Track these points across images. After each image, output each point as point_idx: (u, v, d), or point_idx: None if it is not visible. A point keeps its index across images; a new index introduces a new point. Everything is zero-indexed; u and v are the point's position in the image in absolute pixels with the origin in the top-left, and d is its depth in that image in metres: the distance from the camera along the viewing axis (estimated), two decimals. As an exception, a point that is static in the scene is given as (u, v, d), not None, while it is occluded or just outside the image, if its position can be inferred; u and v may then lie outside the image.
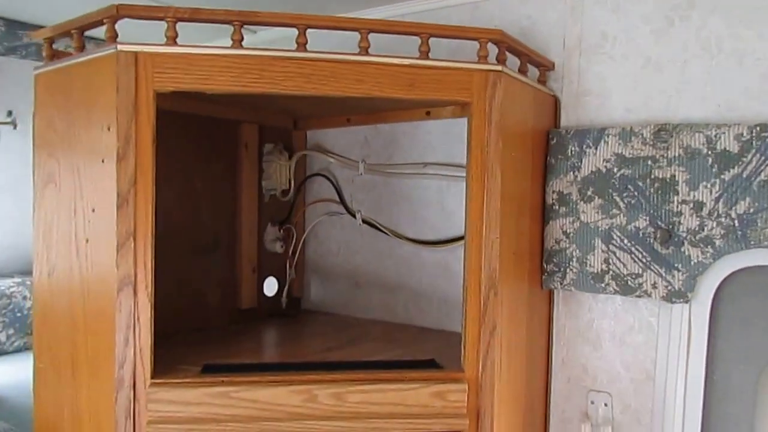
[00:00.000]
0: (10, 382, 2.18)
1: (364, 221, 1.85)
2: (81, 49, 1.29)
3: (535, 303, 1.50)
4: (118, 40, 1.19)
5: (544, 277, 1.51)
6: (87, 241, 1.23)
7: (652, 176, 1.37)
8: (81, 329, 1.26)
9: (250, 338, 1.60)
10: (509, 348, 1.34)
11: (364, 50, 1.22)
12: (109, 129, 1.17)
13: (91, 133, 1.22)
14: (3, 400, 2.03)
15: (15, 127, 2.78)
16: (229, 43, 1.19)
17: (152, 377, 1.19)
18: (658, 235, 1.36)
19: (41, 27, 1.47)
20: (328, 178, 1.92)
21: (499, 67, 1.26)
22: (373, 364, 1.33)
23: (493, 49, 1.29)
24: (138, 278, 1.17)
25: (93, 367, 1.23)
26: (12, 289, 2.59)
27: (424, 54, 1.24)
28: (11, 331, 2.54)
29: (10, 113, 2.77)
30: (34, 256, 1.38)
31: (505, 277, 1.31)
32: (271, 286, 1.90)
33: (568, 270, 1.47)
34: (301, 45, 1.21)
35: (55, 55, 1.38)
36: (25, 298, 2.62)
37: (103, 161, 1.19)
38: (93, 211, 1.22)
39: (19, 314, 2.57)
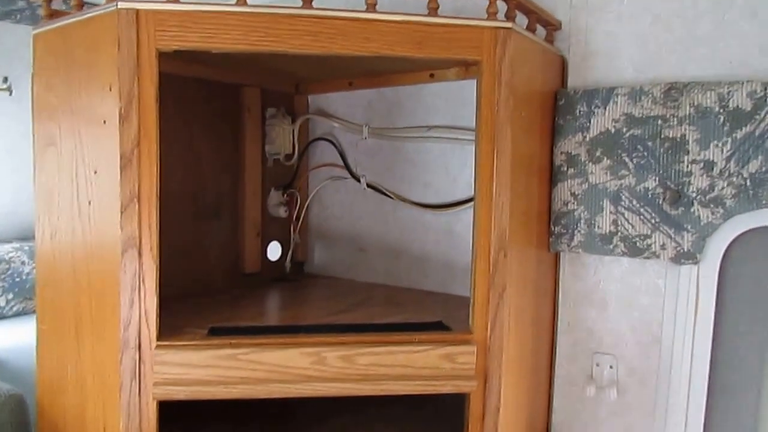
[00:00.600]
0: (11, 345, 2.15)
1: (368, 185, 1.81)
2: (80, 7, 1.24)
3: (543, 265, 1.47)
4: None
5: (551, 239, 1.48)
6: (90, 203, 1.19)
7: (662, 136, 1.33)
8: (85, 291, 1.23)
9: (255, 302, 1.57)
10: (517, 310, 1.32)
11: (372, 7, 1.18)
12: (110, 89, 1.12)
13: (92, 93, 1.17)
14: (3, 363, 2.01)
15: (11, 93, 2.72)
16: (234, 0, 1.14)
17: (158, 339, 1.16)
18: (668, 196, 1.33)
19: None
20: (331, 143, 1.88)
21: (509, 25, 1.21)
22: (382, 327, 1.31)
23: (502, 7, 1.25)
24: (143, 240, 1.14)
25: (97, 328, 1.20)
26: (11, 255, 2.55)
27: (433, 11, 1.19)
28: (10, 296, 2.51)
29: (5, 79, 2.70)
30: (35, 218, 1.35)
31: (515, 239, 1.28)
32: (274, 251, 1.87)
33: (576, 232, 1.44)
34: (308, 2, 1.16)
35: (53, 15, 1.32)
36: (23, 263, 2.59)
37: (104, 122, 1.14)
38: (95, 173, 1.18)
39: (18, 279, 2.54)
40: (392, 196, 1.78)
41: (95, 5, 1.17)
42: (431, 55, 1.19)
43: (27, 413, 1.42)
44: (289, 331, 1.26)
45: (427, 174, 1.74)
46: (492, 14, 1.21)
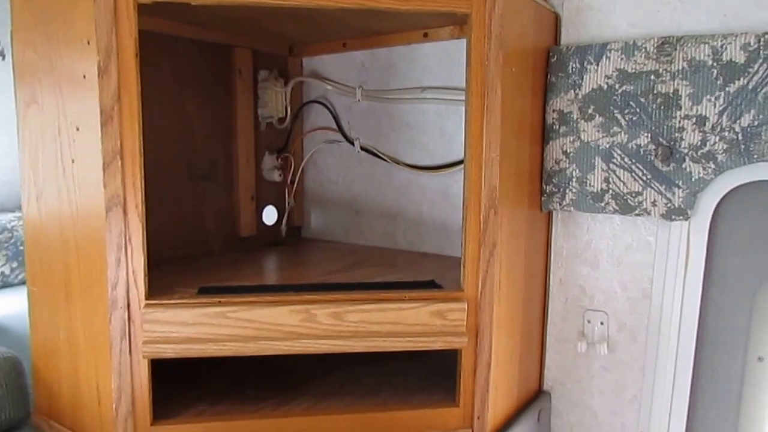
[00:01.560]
0: (15, 312, 2.11)
1: (362, 148, 1.74)
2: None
3: (534, 224, 1.41)
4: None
5: (543, 198, 1.41)
6: (73, 161, 1.13)
7: (655, 91, 1.26)
8: (72, 251, 1.17)
9: (249, 264, 1.52)
10: (508, 268, 1.26)
11: (358, -44, 1.10)
12: (89, 43, 1.05)
13: (71, 48, 1.10)
14: (9, 329, 1.97)
15: (3, 59, 2.60)
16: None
17: (147, 298, 1.10)
18: (659, 152, 1.26)
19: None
20: (325, 106, 1.81)
21: (499, -23, 1.13)
22: (373, 285, 1.25)
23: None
24: (127, 198, 1.07)
25: (86, 288, 1.15)
26: (13, 223, 2.49)
27: (421, -40, 1.11)
28: (15, 264, 2.45)
29: (-2, 46, 2.59)
30: (20, 179, 1.28)
31: (505, 197, 1.21)
32: (270, 215, 1.82)
33: (567, 190, 1.38)
34: (291, -49, 1.08)
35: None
36: (26, 231, 2.54)
37: (84, 77, 1.07)
38: (77, 129, 1.11)
39: (21, 247, 2.48)
40: (387, 158, 1.71)
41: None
42: (419, 7, 1.11)
43: (23, 375, 1.37)
44: (278, 290, 1.20)
45: (422, 135, 1.67)
46: (481, -35, 1.13)
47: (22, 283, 2.49)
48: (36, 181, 1.24)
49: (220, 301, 1.13)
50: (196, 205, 1.61)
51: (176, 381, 1.34)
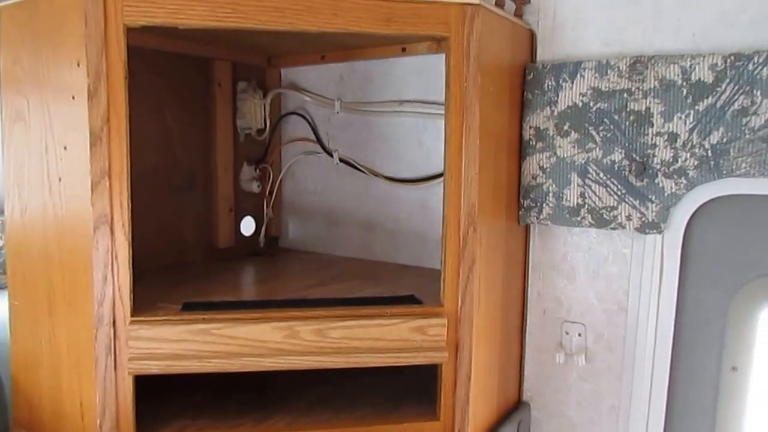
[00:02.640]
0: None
1: (341, 160, 1.83)
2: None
3: (512, 238, 1.51)
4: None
5: (520, 212, 1.52)
6: (60, 179, 1.20)
7: (628, 109, 1.37)
8: (57, 267, 1.25)
9: (229, 277, 1.60)
10: (487, 282, 1.36)
11: (340, -18, 1.19)
12: (78, 65, 1.13)
13: (61, 69, 1.18)
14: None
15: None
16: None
17: (132, 315, 1.18)
18: (633, 168, 1.37)
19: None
20: (303, 117, 1.90)
21: (477, 1, 1.23)
22: (354, 301, 1.34)
23: (470, -19, 1.27)
24: (114, 217, 1.15)
25: (71, 305, 1.22)
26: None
27: (401, -14, 1.21)
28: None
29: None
30: (4, 194, 1.35)
31: (484, 213, 1.32)
32: (248, 226, 1.90)
33: (544, 205, 1.48)
34: (275, -23, 1.17)
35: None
36: (-1, 237, 2.56)
37: (73, 98, 1.15)
38: (65, 149, 1.19)
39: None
40: (365, 170, 1.81)
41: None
42: (399, 32, 1.21)
43: (2, 388, 1.44)
44: (261, 305, 1.29)
45: (400, 148, 1.77)
46: (459, -10, 1.23)
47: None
48: (21, 196, 1.31)
49: (204, 318, 1.21)
50: (175, 216, 1.69)
51: (158, 395, 1.42)
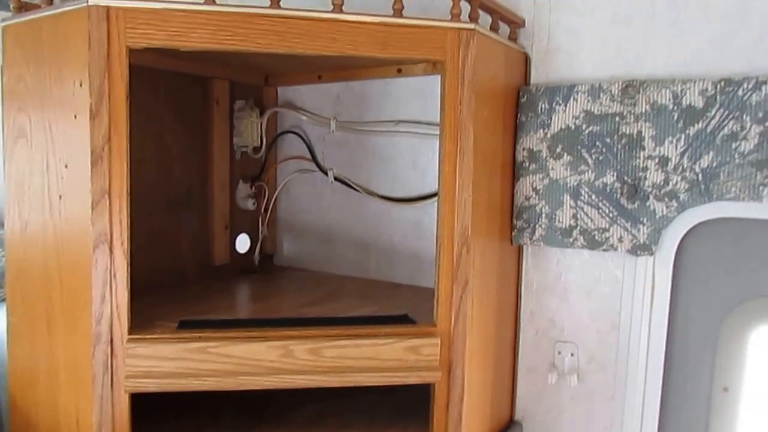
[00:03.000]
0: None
1: (336, 179, 1.87)
2: (50, 1, 1.27)
3: (505, 258, 1.54)
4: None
5: (514, 233, 1.55)
6: (60, 197, 1.23)
7: (620, 132, 1.41)
8: (56, 285, 1.27)
9: (224, 294, 1.62)
10: (480, 302, 1.39)
11: (338, 8, 1.23)
12: (81, 85, 1.16)
13: (63, 88, 1.21)
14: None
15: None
16: (202, -2, 1.19)
17: (129, 333, 1.21)
18: (625, 191, 1.41)
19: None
20: (299, 135, 1.93)
21: (472, 26, 1.27)
22: (349, 320, 1.37)
23: (465, 7, 1.31)
24: (114, 236, 1.18)
25: (69, 322, 1.25)
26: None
27: (398, 12, 1.25)
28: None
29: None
30: (4, 210, 1.38)
31: (477, 234, 1.35)
32: (243, 243, 1.92)
33: (537, 226, 1.52)
34: (275, 2, 1.21)
35: (23, 7, 1.35)
36: (-9, 250, 2.56)
37: (75, 117, 1.18)
38: (66, 167, 1.22)
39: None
40: (360, 189, 1.84)
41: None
42: (396, 55, 1.25)
43: (-3, 406, 1.46)
44: (257, 324, 1.31)
45: (395, 167, 1.81)
46: (455, 15, 1.27)
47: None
48: (21, 213, 1.34)
49: (200, 336, 1.24)
50: (171, 233, 1.72)
51: (154, 414, 1.44)
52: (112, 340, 1.20)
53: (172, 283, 1.69)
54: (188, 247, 1.77)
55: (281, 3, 1.21)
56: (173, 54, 1.57)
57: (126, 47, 1.16)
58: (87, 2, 1.15)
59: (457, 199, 1.28)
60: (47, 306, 1.30)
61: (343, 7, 1.23)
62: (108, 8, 1.15)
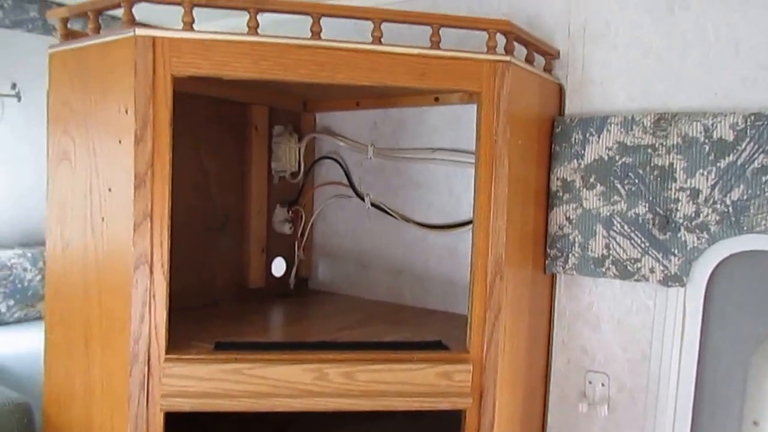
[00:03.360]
0: (12, 352, 2.18)
1: (372, 204, 1.86)
2: (97, 30, 1.30)
3: (538, 286, 1.52)
4: (135, 22, 1.20)
5: (547, 261, 1.53)
6: (103, 219, 1.25)
7: (652, 164, 1.39)
8: (95, 304, 1.28)
9: (259, 317, 1.62)
10: (512, 330, 1.36)
11: (377, 39, 1.23)
12: (126, 111, 1.18)
13: (108, 113, 1.23)
14: (6, 369, 2.05)
15: (19, 100, 2.75)
16: (241, 22, 1.20)
17: (167, 353, 1.21)
18: (657, 222, 1.38)
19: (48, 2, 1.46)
20: (337, 161, 1.93)
21: (507, 58, 1.26)
22: (383, 345, 1.36)
23: (501, 39, 1.30)
24: (154, 257, 1.19)
25: (107, 341, 1.25)
26: (13, 261, 2.58)
27: (435, 44, 1.25)
28: (11, 302, 2.53)
29: (14, 85, 2.74)
30: (46, 230, 1.39)
31: (511, 262, 1.33)
32: (279, 267, 1.92)
33: (570, 255, 1.49)
34: (316, 33, 1.22)
35: (69, 35, 1.38)
36: (25, 269, 2.60)
37: (120, 142, 1.20)
38: (109, 190, 1.23)
39: (19, 285, 2.56)
40: (396, 215, 1.83)
41: (111, 18, 1.22)
42: (433, 86, 1.25)
43: (33, 422, 1.47)
44: (292, 347, 1.31)
45: (431, 194, 1.80)
46: (491, 48, 1.27)
47: (19, 321, 2.57)
48: (63, 234, 1.35)
49: (236, 358, 1.23)
50: (208, 256, 1.73)
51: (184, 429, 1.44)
52: (149, 360, 1.20)
53: (208, 305, 1.70)
54: (224, 270, 1.78)
55: (322, 35, 1.22)
56: (214, 81, 1.59)
57: (171, 75, 1.17)
58: (134, 32, 1.17)
59: (491, 228, 1.26)
60: (85, 325, 1.30)
61: (382, 39, 1.24)
62: (154, 38, 1.17)
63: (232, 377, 1.22)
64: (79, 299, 1.33)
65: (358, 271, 1.95)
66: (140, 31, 1.17)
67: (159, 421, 1.22)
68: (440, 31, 1.26)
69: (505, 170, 1.27)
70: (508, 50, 1.31)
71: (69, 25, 1.40)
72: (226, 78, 1.20)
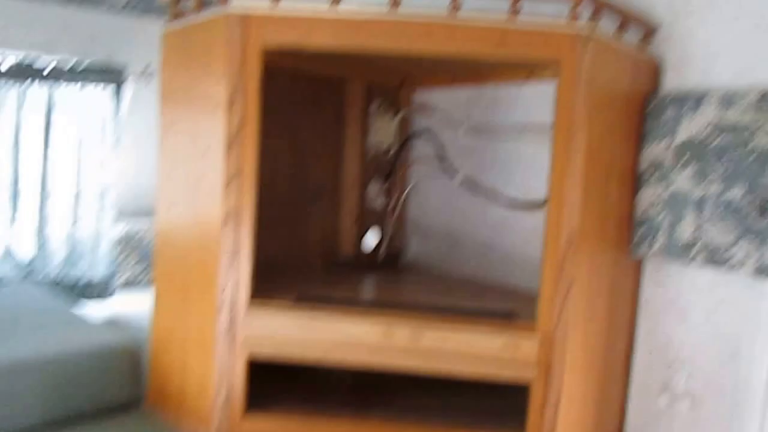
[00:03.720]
0: (138, 310, 2.37)
1: (463, 181, 1.86)
2: (199, 9, 1.41)
3: (622, 271, 1.47)
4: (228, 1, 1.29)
5: (632, 244, 1.47)
6: (199, 179, 1.35)
7: (751, 145, 1.30)
8: (191, 258, 1.39)
9: (345, 283, 1.68)
10: (587, 309, 1.33)
11: (454, 10, 1.24)
12: (220, 81, 1.28)
13: (207, 83, 1.34)
14: (131, 324, 2.22)
15: (150, 81, 2.94)
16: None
17: (250, 302, 1.30)
18: (754, 206, 1.29)
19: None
20: (431, 138, 1.95)
21: (589, 29, 1.23)
22: (450, 309, 1.37)
23: (588, 7, 1.26)
24: (241, 212, 1.28)
25: (201, 291, 1.37)
26: (143, 230, 2.81)
27: (514, 13, 1.24)
28: (142, 267, 2.76)
29: (147, 66, 2.93)
30: (155, 194, 1.53)
31: (587, 238, 1.30)
32: (370, 239, 1.97)
33: (657, 238, 1.43)
34: (394, 6, 1.25)
35: (178, 14, 1.51)
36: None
37: (215, 109, 1.30)
38: (206, 151, 1.33)
39: (148, 252, 2.79)
40: (486, 193, 1.82)
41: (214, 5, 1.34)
42: (510, 55, 1.24)
43: (141, 364, 1.60)
44: (364, 305, 1.35)
45: (522, 172, 1.78)
46: (574, 16, 1.23)
47: (148, 284, 2.79)
48: (169, 194, 1.49)
49: (313, 310, 1.30)
50: (301, 226, 1.81)
51: (265, 379, 1.52)
52: (234, 308, 1.30)
53: (297, 272, 1.77)
54: (316, 240, 1.85)
55: (400, 5, 1.24)
56: (311, 57, 1.66)
57: (259, 48, 1.26)
58: (226, 10, 1.27)
59: (566, 199, 1.24)
60: (184, 277, 1.42)
61: (460, 9, 1.24)
62: (244, 14, 1.26)
63: (307, 328, 1.29)
64: (180, 253, 1.45)
65: (448, 247, 1.96)
66: (232, 9, 1.27)
67: (242, 365, 1.31)
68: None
69: (582, 144, 1.24)
70: (594, 19, 1.27)
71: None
72: (308, 49, 1.26)
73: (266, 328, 1.30)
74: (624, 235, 1.46)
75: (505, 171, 1.81)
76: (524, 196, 1.77)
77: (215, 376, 1.32)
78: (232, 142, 1.27)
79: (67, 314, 1.79)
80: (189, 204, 1.40)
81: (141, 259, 2.78)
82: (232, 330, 1.30)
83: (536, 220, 1.74)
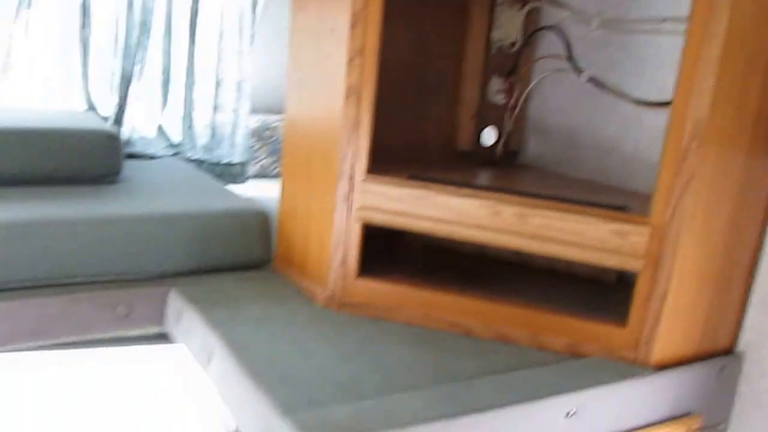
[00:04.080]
0: (269, 197, 2.52)
1: (590, 79, 1.79)
2: None
3: (755, 175, 1.37)
4: None
5: None
6: (325, 57, 1.41)
7: None
8: (316, 131, 1.48)
9: (459, 172, 1.70)
10: (708, 206, 1.27)
11: None
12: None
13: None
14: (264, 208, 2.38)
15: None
16: None
17: (367, 173, 1.37)
18: None
19: None
20: (559, 33, 1.87)
21: None
22: (559, 198, 1.37)
23: None
24: (362, 88, 1.33)
25: (323, 161, 1.46)
26: (276, 124, 2.93)
27: None
28: (273, 159, 2.92)
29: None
30: (287, 73, 1.59)
31: (716, 132, 1.23)
32: (488, 136, 1.96)
33: (795, 138, 1.32)
34: None
35: None
36: (285, 131, 2.92)
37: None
38: (332, 31, 1.38)
39: (279, 145, 2.92)
40: (613, 91, 1.75)
41: None
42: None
43: (270, 229, 1.74)
44: (472, 186, 1.39)
45: (656, 70, 1.68)
46: None
47: (276, 176, 2.95)
48: (298, 74, 1.56)
49: (423, 185, 1.36)
50: (420, 117, 1.83)
51: (380, 250, 1.63)
52: (352, 177, 1.37)
53: (414, 162, 1.81)
54: (435, 132, 1.87)
55: None
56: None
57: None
58: None
59: (695, 87, 1.17)
60: (308, 150, 1.52)
61: None
62: None
63: (418, 200, 1.36)
64: (305, 129, 1.54)
65: (568, 148, 1.92)
66: None
67: (357, 230, 1.42)
68: None
69: (722, 27, 1.15)
70: None
71: None
72: None
73: (380, 198, 1.38)
74: (762, 135, 1.36)
75: (638, 68, 1.72)
76: (656, 92, 1.67)
77: (333, 240, 1.41)
78: (356, 21, 1.30)
79: (211, 183, 1.98)
80: (315, 83, 1.47)
81: (271, 152, 2.92)
82: (350, 198, 1.38)
83: (663, 121, 1.65)
